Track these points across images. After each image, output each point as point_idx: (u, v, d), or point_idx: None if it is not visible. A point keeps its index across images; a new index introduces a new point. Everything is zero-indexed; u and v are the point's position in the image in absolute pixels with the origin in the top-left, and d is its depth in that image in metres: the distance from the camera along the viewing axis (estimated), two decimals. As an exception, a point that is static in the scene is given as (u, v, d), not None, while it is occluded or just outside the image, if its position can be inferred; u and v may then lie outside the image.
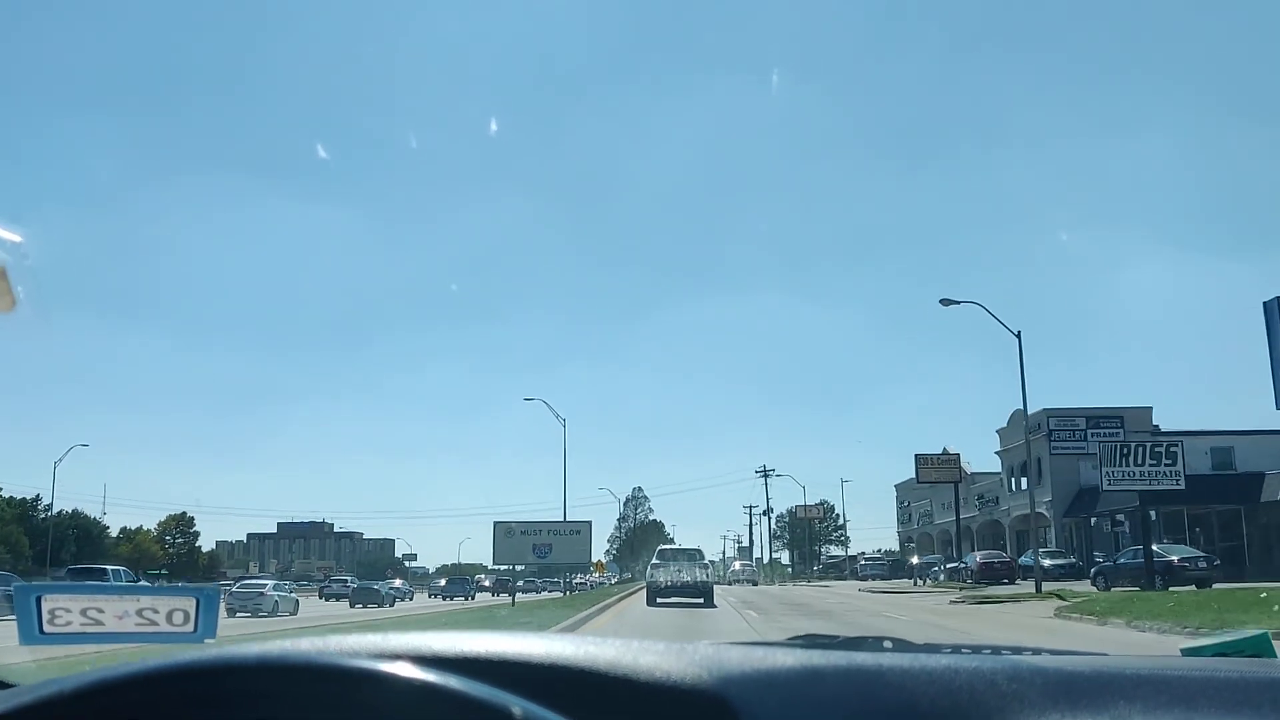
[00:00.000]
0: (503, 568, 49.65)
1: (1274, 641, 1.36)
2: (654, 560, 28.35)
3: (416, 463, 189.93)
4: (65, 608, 2.14)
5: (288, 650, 0.91)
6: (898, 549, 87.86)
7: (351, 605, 48.13)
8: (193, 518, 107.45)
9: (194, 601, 2.23)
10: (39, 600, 2.03)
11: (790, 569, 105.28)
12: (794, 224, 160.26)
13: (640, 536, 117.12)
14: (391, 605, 49.25)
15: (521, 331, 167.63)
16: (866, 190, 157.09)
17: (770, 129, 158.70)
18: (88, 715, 0.87)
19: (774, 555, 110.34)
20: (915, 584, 46.65)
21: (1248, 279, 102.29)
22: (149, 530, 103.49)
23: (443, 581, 74.33)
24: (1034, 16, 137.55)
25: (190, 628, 2.24)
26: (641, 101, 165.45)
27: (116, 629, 2.26)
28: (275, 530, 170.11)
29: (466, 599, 61.74)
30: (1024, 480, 55.65)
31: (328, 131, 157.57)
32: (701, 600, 26.19)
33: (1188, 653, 1.32)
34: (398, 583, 67.32)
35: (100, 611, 2.25)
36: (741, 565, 75.69)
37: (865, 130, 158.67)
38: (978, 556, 44.11)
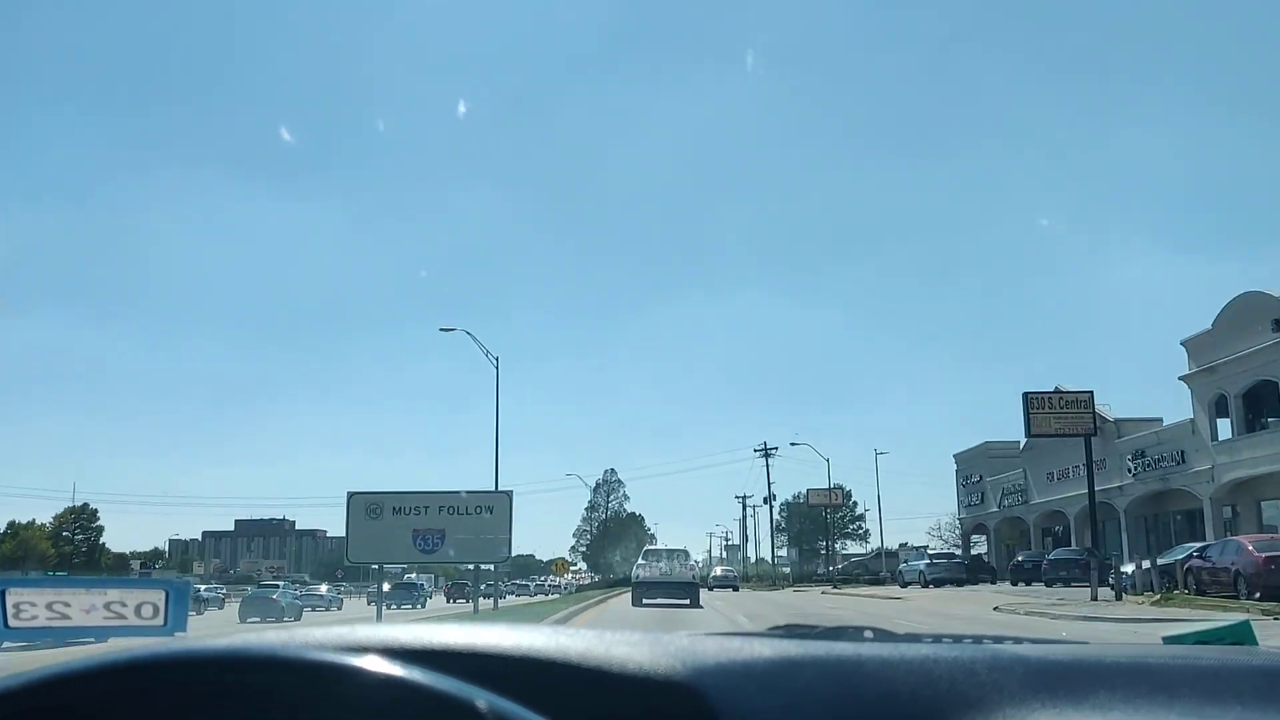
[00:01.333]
0: (488, 568, 33.23)
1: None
2: (640, 560, 29.10)
3: (394, 459, 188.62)
4: (31, 601, 2.11)
5: (250, 643, 0.88)
6: (940, 542, 71.22)
7: (241, 619, 38.69)
8: (95, 510, 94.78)
9: (163, 594, 2.20)
10: (4, 594, 2.00)
11: (789, 569, 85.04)
12: (781, 216, 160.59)
13: (615, 530, 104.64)
14: (295, 618, 40.07)
15: (503, 326, 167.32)
16: (853, 184, 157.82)
17: (755, 122, 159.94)
18: (44, 709, 0.84)
19: (776, 551, 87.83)
20: (1095, 598, 25.66)
21: (1231, 275, 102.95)
22: (42, 525, 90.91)
23: (386, 586, 63.34)
24: (1019, 12, 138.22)
25: (160, 621, 2.21)
26: (625, 94, 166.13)
27: (84, 622, 2.23)
28: (233, 528, 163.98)
29: (415, 607, 51.19)
30: (1248, 419, 35.29)
31: (304, 127, 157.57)
32: (688, 601, 26.60)
33: (1169, 640, 1.32)
34: (323, 588, 57.22)
35: (67, 605, 2.21)
36: (723, 570, 64.75)
37: (851, 124, 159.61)
38: (1249, 545, 23.24)
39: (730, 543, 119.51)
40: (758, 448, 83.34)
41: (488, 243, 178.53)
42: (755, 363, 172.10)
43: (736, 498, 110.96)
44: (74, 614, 2.17)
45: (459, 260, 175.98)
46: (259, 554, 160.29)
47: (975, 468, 60.83)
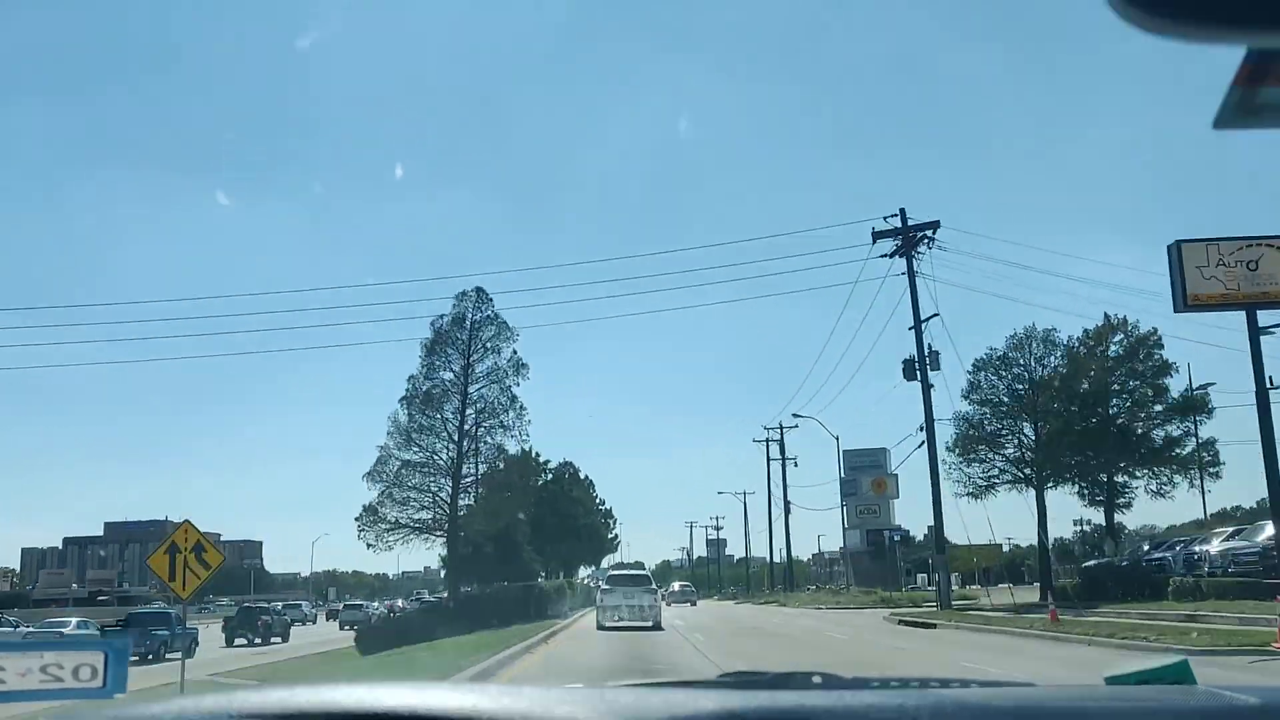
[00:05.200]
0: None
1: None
2: (604, 585, 31.12)
3: (345, 469, 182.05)
4: (-38, 666, 2.03)
5: (183, 711, 0.87)
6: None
7: None
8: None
9: (102, 656, 2.14)
10: (-66, 659, 1.93)
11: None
12: (747, 213, 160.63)
13: (509, 479, 37.47)
14: None
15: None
16: (817, 180, 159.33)
17: (720, 121, 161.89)
18: None
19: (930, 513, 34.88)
20: None
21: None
22: None
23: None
24: (982, 13, 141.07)
25: (98, 683, 2.14)
26: (588, 95, 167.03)
27: (20, 686, 2.15)
28: (101, 533, 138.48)
29: (148, 657, 28.51)
30: None
31: (266, 126, 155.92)
32: (650, 625, 28.23)
33: (1111, 681, 1.33)
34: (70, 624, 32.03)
35: (1, 669, 2.14)
36: (680, 586, 63.28)
37: (817, 122, 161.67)
38: None
39: (718, 536, 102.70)
40: (889, 217, 35.32)
41: (457, 244, 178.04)
42: (734, 358, 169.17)
43: (758, 439, 68.09)
44: (9, 678, 2.10)
45: (419, 264, 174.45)
46: (133, 563, 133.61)
47: None
